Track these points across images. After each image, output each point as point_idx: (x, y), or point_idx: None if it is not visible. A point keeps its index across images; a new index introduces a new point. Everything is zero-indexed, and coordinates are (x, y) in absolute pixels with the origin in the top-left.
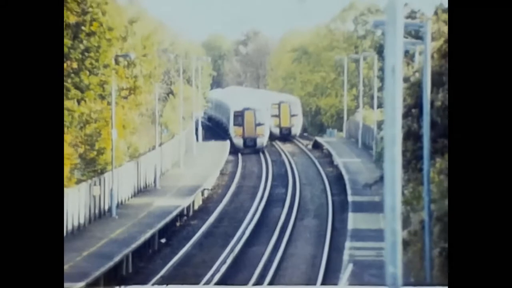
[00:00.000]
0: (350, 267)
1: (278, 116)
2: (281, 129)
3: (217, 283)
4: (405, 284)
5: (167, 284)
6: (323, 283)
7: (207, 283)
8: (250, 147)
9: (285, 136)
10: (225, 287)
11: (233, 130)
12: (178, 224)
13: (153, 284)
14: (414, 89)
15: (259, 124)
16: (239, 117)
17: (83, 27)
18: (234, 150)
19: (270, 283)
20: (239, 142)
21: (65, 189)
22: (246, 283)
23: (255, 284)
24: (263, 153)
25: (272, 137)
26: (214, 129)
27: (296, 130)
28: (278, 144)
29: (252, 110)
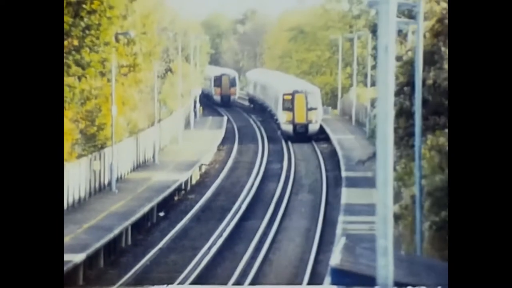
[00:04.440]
0: (343, 240)
1: (291, 109)
2: (295, 126)
3: (214, 256)
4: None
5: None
6: (316, 255)
7: (204, 255)
8: (226, 102)
9: (301, 135)
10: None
11: (213, 90)
12: (176, 198)
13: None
14: (406, 67)
15: (232, 86)
16: (217, 80)
17: (84, 5)
18: (213, 104)
19: (265, 255)
20: (217, 98)
21: (66, 163)
22: (242, 255)
23: (251, 257)
24: (260, 130)
25: (284, 136)
26: (211, 106)
27: (315, 127)
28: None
29: (227, 75)
